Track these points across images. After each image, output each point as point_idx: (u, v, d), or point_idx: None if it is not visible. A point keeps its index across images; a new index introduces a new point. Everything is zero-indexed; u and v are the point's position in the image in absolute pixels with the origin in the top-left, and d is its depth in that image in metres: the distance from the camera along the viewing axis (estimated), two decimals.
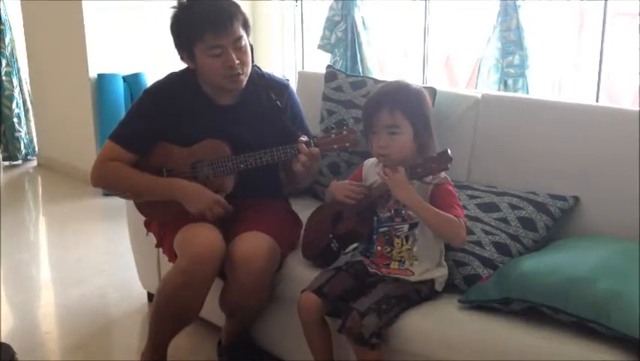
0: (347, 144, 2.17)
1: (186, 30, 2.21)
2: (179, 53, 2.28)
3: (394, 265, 2.02)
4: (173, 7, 2.25)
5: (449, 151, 1.84)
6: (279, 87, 2.41)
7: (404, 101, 1.95)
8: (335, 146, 2.20)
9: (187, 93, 2.32)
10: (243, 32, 2.21)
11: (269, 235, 2.19)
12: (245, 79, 2.27)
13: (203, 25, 2.16)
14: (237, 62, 2.20)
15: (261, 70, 2.42)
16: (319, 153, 2.20)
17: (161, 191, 2.30)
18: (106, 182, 2.42)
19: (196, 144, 2.29)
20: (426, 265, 2.00)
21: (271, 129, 2.33)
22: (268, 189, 2.44)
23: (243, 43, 2.22)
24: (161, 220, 2.41)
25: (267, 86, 2.38)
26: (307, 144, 2.19)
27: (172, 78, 2.37)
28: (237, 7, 2.23)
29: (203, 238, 2.15)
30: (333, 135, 2.19)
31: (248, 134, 2.29)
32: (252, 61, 2.31)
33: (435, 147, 1.98)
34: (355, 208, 2.06)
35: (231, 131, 2.29)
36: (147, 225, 2.51)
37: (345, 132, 2.18)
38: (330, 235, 2.14)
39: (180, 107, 2.30)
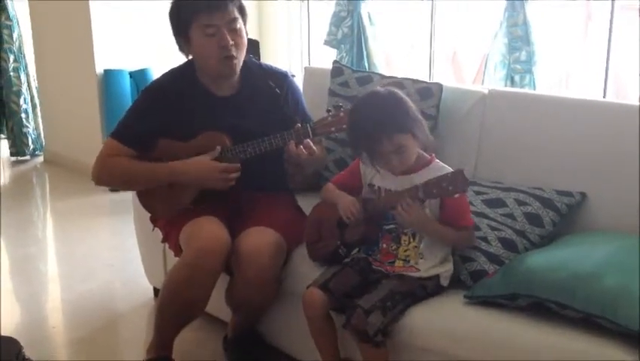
0: (344, 126, 2.16)
1: (183, 13, 2.23)
2: (177, 41, 2.30)
3: (399, 263, 2.02)
4: None
5: (465, 172, 1.80)
6: (277, 76, 2.42)
7: (396, 120, 1.90)
8: (332, 128, 2.19)
9: (185, 87, 2.33)
10: (238, 15, 2.23)
11: (275, 230, 2.20)
12: (238, 64, 2.28)
13: (199, 6, 2.18)
14: (231, 42, 2.21)
15: (258, 61, 2.44)
16: (311, 147, 2.19)
17: (164, 177, 2.31)
18: (108, 177, 2.42)
19: (197, 137, 2.29)
20: (432, 262, 2.00)
21: (272, 118, 2.33)
22: (273, 182, 2.44)
23: (238, 25, 2.24)
24: (167, 217, 2.41)
25: (266, 76, 2.39)
26: (304, 128, 2.19)
27: (170, 74, 2.39)
28: None
29: (208, 231, 2.15)
30: (329, 118, 2.20)
31: (248, 124, 2.29)
32: (259, 58, 2.32)
33: (428, 133, 1.98)
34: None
35: (231, 122, 2.29)
36: (153, 220, 2.52)
37: (342, 114, 2.18)
38: (339, 242, 2.14)
39: (179, 101, 2.31)
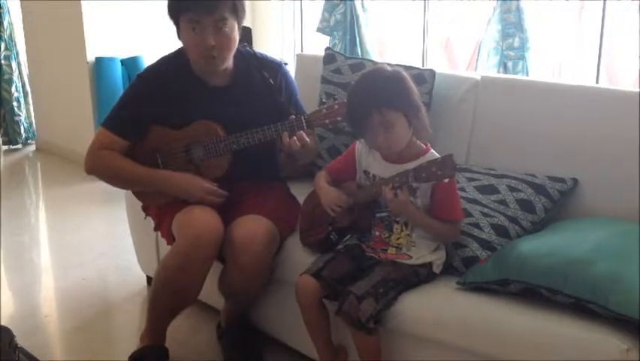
0: (339, 118, 2.16)
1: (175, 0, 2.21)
2: (173, 22, 2.26)
3: (392, 250, 2.02)
4: None
5: (454, 157, 1.80)
6: (272, 66, 2.40)
7: (389, 95, 1.91)
8: (327, 121, 2.18)
9: (179, 76, 2.31)
10: (228, 15, 2.17)
11: (268, 218, 2.20)
12: (221, 63, 2.24)
13: (188, 1, 2.15)
14: (213, 44, 2.17)
15: (253, 50, 2.41)
16: (304, 139, 2.19)
17: (153, 184, 2.33)
18: (98, 171, 2.39)
19: (190, 125, 2.28)
20: (424, 250, 2.00)
21: (265, 109, 2.32)
22: (266, 172, 2.43)
23: (227, 26, 2.18)
24: (158, 205, 2.40)
25: (260, 66, 2.37)
26: (298, 120, 2.19)
27: (164, 61, 2.37)
28: None
29: (201, 220, 2.15)
30: (324, 110, 2.18)
31: (242, 115, 2.28)
32: (251, 43, 2.30)
33: (428, 125, 1.98)
34: (355, 202, 2.06)
35: (225, 112, 2.28)
36: (145, 208, 2.52)
37: (336, 106, 2.17)
38: (330, 228, 2.13)
39: (173, 89, 2.29)
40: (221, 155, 2.25)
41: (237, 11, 2.21)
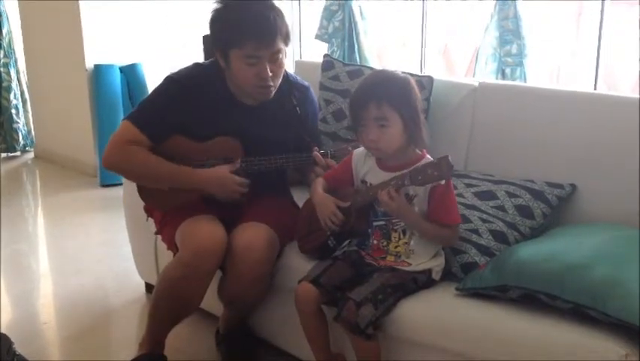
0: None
1: (226, 32, 2.14)
2: (213, 49, 2.22)
3: (390, 258, 2.02)
4: (217, 2, 2.18)
5: (450, 158, 1.79)
6: (301, 90, 2.40)
7: (391, 92, 1.92)
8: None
9: (212, 88, 2.26)
10: (282, 46, 2.16)
11: (268, 225, 2.19)
12: (274, 91, 2.23)
13: (245, 34, 2.10)
14: (270, 74, 2.16)
15: (286, 72, 2.33)
16: (335, 166, 2.22)
17: (185, 182, 2.25)
18: (125, 166, 2.29)
19: (211, 140, 2.25)
20: (423, 257, 2.00)
21: (290, 133, 2.32)
22: (275, 189, 2.42)
23: (280, 56, 2.18)
24: (163, 209, 2.38)
25: (291, 89, 2.35)
26: (324, 155, 2.21)
27: (197, 70, 2.30)
28: (282, 18, 2.16)
29: (206, 231, 2.14)
30: (350, 148, 2.20)
31: (267, 135, 2.27)
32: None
33: (426, 135, 1.97)
34: (352, 206, 2.06)
35: (252, 130, 2.25)
36: (148, 209, 2.49)
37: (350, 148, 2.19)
38: (328, 233, 2.13)
39: (203, 101, 2.24)
40: (239, 175, 2.24)
41: (288, 40, 2.20)
